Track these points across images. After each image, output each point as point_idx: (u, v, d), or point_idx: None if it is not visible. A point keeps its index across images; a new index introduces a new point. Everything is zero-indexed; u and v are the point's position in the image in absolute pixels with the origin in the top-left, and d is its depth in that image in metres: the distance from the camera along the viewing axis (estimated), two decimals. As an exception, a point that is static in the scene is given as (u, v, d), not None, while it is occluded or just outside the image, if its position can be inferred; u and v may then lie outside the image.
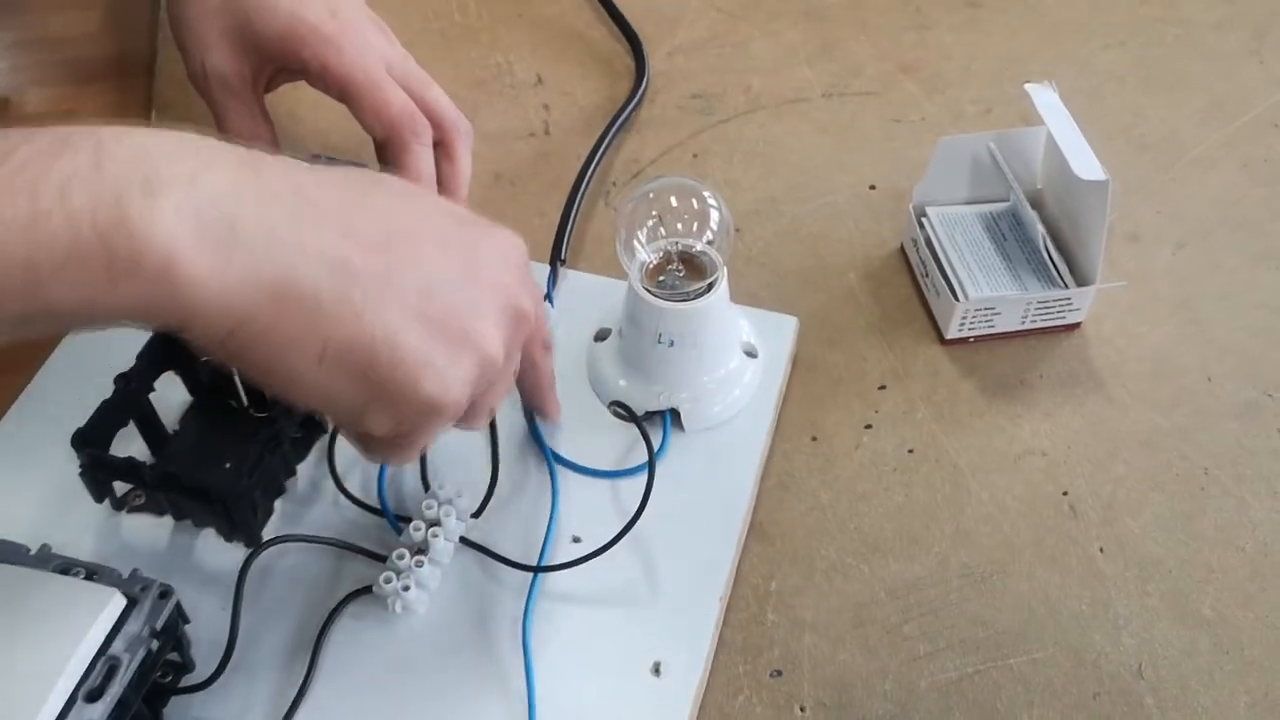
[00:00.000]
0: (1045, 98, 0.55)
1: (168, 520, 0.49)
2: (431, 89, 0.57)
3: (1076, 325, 0.59)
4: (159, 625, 0.40)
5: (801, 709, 0.46)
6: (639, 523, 0.48)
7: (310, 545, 0.48)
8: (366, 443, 0.40)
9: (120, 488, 0.48)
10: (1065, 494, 0.53)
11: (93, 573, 0.41)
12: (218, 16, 0.55)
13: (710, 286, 0.50)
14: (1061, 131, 0.54)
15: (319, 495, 0.51)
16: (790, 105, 0.72)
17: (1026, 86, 0.56)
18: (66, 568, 0.41)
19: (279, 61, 0.56)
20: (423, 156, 0.54)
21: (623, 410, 0.51)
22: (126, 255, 0.32)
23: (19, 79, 0.73)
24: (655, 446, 0.50)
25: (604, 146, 0.67)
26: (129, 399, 0.48)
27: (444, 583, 0.47)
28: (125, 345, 0.49)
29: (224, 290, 0.33)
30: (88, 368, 0.52)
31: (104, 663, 0.39)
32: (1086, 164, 0.53)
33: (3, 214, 0.31)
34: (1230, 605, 0.49)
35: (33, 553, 0.42)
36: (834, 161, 0.68)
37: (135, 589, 0.41)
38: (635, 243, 0.50)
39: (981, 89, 0.73)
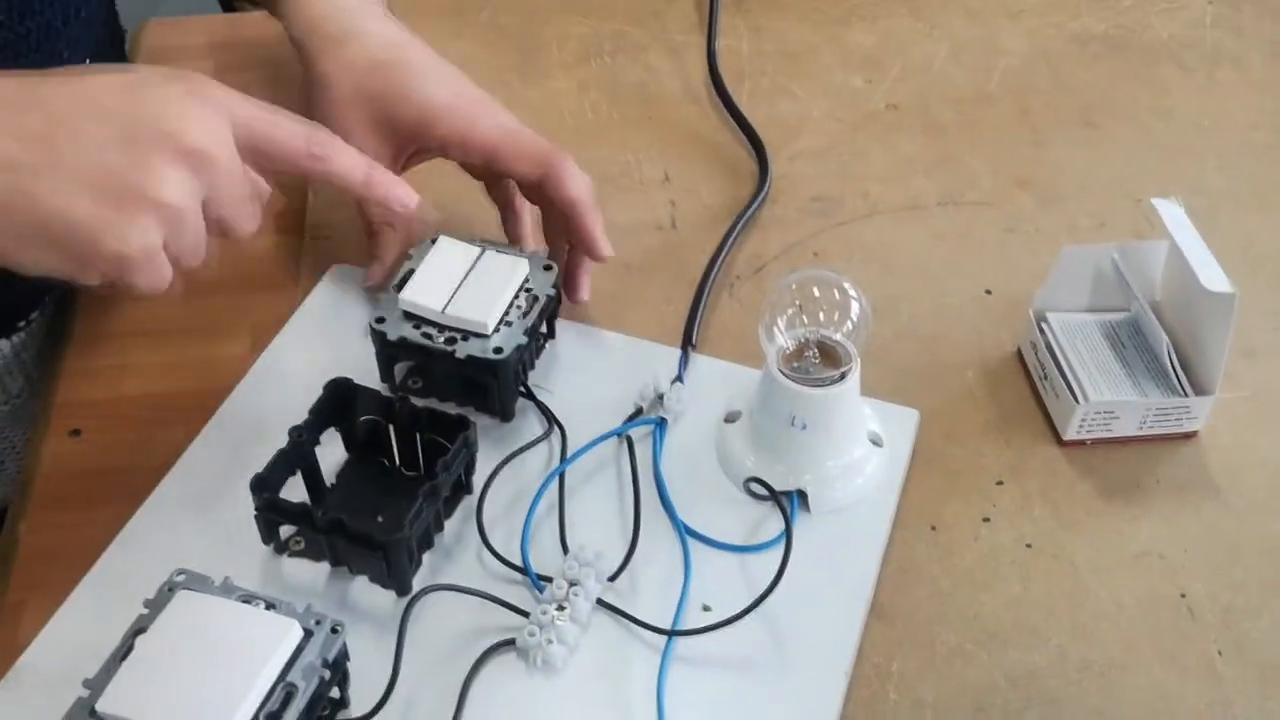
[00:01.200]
0: (1171, 212, 0.58)
1: (323, 566, 0.52)
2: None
3: (1193, 434, 0.60)
4: (330, 657, 0.43)
5: (923, 788, 0.47)
6: (766, 596, 0.50)
7: (455, 597, 0.51)
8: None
9: (283, 532, 0.52)
10: (1183, 596, 0.54)
11: (271, 605, 0.44)
12: (354, 108, 0.61)
13: (844, 375, 0.53)
14: (1188, 244, 0.56)
15: (462, 551, 0.53)
16: (907, 212, 0.75)
17: (1153, 201, 0.59)
18: (248, 599, 0.44)
19: (418, 143, 0.62)
20: (578, 177, 0.60)
21: (760, 486, 0.54)
22: None
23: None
24: (790, 528, 0.53)
25: (730, 242, 0.70)
26: (300, 450, 0.51)
27: (580, 640, 0.50)
28: (287, 402, 0.53)
29: None
30: (251, 419, 0.57)
31: (282, 688, 0.42)
32: (1214, 276, 0.55)
33: None
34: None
35: (217, 584, 0.45)
36: (950, 266, 0.71)
37: (310, 622, 0.44)
38: (775, 328, 0.53)
39: (1094, 204, 0.75)
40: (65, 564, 0.54)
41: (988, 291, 0.70)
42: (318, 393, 0.59)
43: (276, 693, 0.42)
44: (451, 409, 0.55)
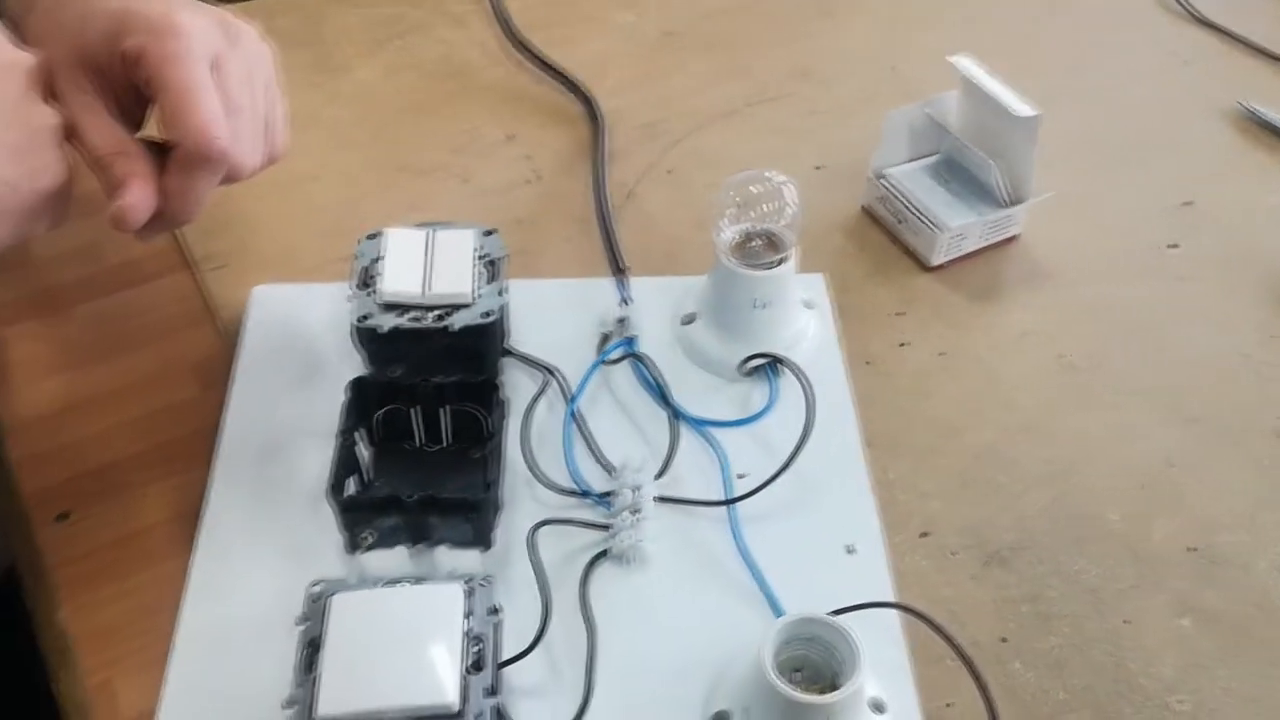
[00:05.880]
0: (966, 64, 0.70)
1: (398, 551, 0.56)
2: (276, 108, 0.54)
3: (1015, 237, 0.75)
4: (493, 604, 0.48)
5: (953, 553, 0.59)
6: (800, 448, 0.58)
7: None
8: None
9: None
10: (1061, 356, 0.68)
11: (418, 581, 0.48)
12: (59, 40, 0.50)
13: (785, 258, 0.62)
14: (990, 86, 0.69)
15: (513, 498, 0.58)
16: (727, 118, 0.85)
17: (950, 59, 0.71)
18: (393, 583, 0.48)
19: (117, 67, 0.49)
20: (202, 181, 0.50)
21: (760, 359, 0.62)
22: None
23: None
24: (773, 393, 0.62)
25: (602, 175, 0.77)
26: (352, 451, 0.54)
27: (658, 533, 0.57)
28: (279, 421, 0.56)
29: None
30: (255, 446, 0.60)
31: (473, 641, 0.46)
32: (1018, 106, 0.68)
33: None
34: (1211, 401, 0.65)
35: (354, 582, 0.48)
36: (781, 152, 0.82)
37: (462, 581, 0.48)
38: (723, 226, 0.61)
39: (861, 80, 0.88)
40: (128, 634, 0.54)
41: (817, 167, 0.81)
42: (301, 405, 0.61)
43: (469, 648, 0.46)
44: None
